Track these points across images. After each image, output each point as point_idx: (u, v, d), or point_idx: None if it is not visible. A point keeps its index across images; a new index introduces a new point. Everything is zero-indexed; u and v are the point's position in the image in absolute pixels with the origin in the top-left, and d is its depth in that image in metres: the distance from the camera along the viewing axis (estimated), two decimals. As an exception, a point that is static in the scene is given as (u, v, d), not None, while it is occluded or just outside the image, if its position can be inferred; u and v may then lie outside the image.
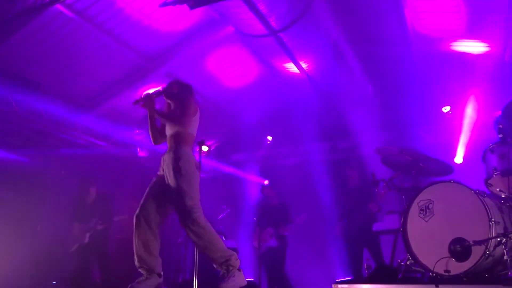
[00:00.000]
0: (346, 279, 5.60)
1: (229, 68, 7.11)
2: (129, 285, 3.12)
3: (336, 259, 6.37)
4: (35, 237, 6.52)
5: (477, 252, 3.20)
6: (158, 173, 3.47)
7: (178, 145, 3.38)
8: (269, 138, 8.16)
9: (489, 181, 3.72)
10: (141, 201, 3.36)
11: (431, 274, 3.37)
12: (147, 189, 3.41)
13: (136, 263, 3.24)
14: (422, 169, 4.23)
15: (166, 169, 3.36)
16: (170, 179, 3.29)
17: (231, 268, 3.18)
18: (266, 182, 7.74)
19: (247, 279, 3.34)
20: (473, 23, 5.53)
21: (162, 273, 3.28)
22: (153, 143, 3.61)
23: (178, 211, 3.26)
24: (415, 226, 3.61)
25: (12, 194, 6.62)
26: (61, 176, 6.94)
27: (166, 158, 3.41)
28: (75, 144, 7.19)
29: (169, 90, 3.56)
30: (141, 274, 3.21)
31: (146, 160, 7.91)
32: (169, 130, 3.49)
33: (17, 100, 6.05)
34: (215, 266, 3.25)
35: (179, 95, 3.55)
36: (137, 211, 3.32)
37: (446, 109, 6.81)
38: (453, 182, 3.57)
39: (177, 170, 3.27)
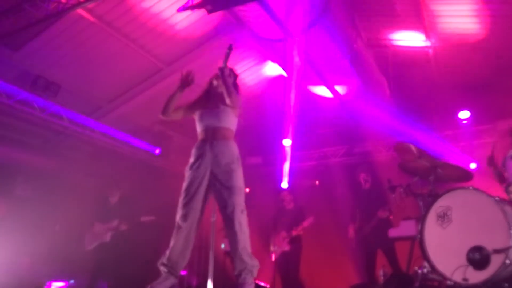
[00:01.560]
0: (360, 283, 5.54)
1: (246, 72, 7.14)
2: (149, 286, 3.10)
3: (351, 264, 6.31)
4: (54, 236, 6.63)
5: (496, 261, 3.13)
6: (194, 163, 3.25)
7: (232, 138, 3.32)
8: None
9: (510, 188, 3.64)
10: (188, 195, 3.18)
11: (448, 282, 3.31)
12: (189, 183, 3.21)
13: (165, 261, 3.15)
14: (440, 175, 4.16)
15: (217, 160, 3.19)
16: (229, 170, 3.17)
17: (252, 277, 3.10)
18: (284, 185, 7.73)
19: (262, 284, 3.31)
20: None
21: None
22: (162, 113, 3.38)
23: (231, 203, 3.12)
24: (433, 233, 3.55)
25: (31, 193, 6.78)
26: (80, 177, 7.06)
27: (218, 147, 3.22)
28: (94, 145, 7.31)
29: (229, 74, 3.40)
30: (158, 273, 3.19)
31: (161, 159, 7.96)
32: (216, 119, 3.32)
33: (38, 101, 6.19)
34: (236, 272, 3.12)
35: (234, 86, 3.42)
36: (187, 205, 3.16)
37: (464, 114, 6.71)
38: (472, 188, 3.50)
39: (238, 163, 3.22)
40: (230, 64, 3.43)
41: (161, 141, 7.95)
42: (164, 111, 3.39)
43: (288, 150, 8.29)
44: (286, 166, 8.28)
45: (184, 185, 3.25)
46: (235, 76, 3.59)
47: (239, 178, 3.23)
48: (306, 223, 6.29)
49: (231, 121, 3.39)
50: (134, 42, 6.15)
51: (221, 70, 3.34)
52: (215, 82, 3.47)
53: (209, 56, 6.43)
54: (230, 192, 3.16)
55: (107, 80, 6.71)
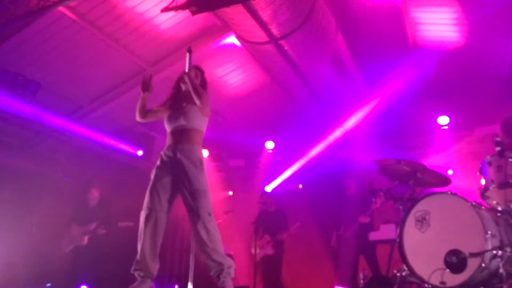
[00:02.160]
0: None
1: (230, 75, 7.13)
2: None
3: (333, 268, 6.36)
4: (30, 238, 6.49)
5: (472, 265, 3.19)
6: (159, 166, 3.29)
7: (199, 140, 3.32)
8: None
9: (486, 194, 3.72)
10: (150, 198, 3.20)
11: (426, 285, 3.36)
12: (153, 185, 3.24)
13: (136, 266, 3.14)
14: (419, 180, 4.23)
15: (180, 164, 3.20)
16: (191, 175, 3.18)
17: (230, 278, 3.12)
18: (267, 188, 7.75)
19: (242, 286, 3.31)
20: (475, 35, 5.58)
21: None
22: (137, 117, 3.43)
23: (195, 206, 3.15)
24: (411, 237, 3.60)
25: (8, 195, 6.61)
26: (58, 178, 6.92)
27: (182, 151, 3.23)
28: (74, 146, 7.19)
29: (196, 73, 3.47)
30: (134, 279, 3.17)
31: (144, 160, 7.87)
32: (182, 119, 3.32)
33: (17, 100, 6.05)
34: (212, 273, 3.14)
35: (202, 85, 3.47)
36: (148, 209, 3.17)
37: (443, 120, 6.85)
38: (450, 193, 3.57)
39: (201, 166, 3.23)
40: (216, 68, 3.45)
41: (144, 142, 7.87)
42: (137, 114, 3.45)
43: (271, 153, 8.32)
44: (268, 169, 8.32)
45: (148, 187, 3.27)
46: (202, 72, 3.62)
47: (203, 182, 3.24)
48: (293, 229, 6.33)
49: (199, 121, 3.38)
50: (117, 42, 6.07)
51: (186, 74, 3.38)
52: (183, 87, 3.48)
53: (193, 57, 6.41)
54: (194, 196, 3.17)
55: (89, 79, 6.61)
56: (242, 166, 8.52)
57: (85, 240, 5.57)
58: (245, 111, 7.95)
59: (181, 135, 3.30)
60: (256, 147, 8.36)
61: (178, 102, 3.45)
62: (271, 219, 6.48)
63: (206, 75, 3.69)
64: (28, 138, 7.03)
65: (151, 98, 3.52)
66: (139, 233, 3.20)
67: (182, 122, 3.32)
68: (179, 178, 3.23)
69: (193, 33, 6.25)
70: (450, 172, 6.52)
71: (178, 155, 3.23)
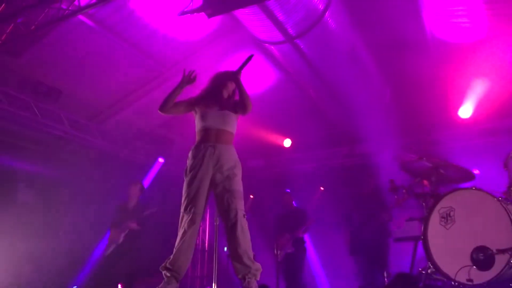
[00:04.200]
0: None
1: (246, 75, 7.14)
2: None
3: (354, 267, 6.31)
4: (58, 242, 6.61)
5: (500, 261, 3.13)
6: (197, 166, 3.20)
7: (232, 143, 3.33)
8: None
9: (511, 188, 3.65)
10: (192, 199, 3.15)
11: (453, 283, 3.31)
12: (194, 187, 3.16)
13: (168, 265, 3.12)
14: (442, 176, 4.17)
15: (221, 164, 3.18)
16: (232, 175, 3.18)
17: (255, 281, 3.11)
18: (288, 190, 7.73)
19: (262, 285, 3.30)
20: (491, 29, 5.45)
21: None
22: (161, 108, 3.34)
23: (234, 207, 3.13)
24: (436, 233, 3.55)
25: (34, 200, 6.77)
26: (81, 183, 7.02)
27: (221, 151, 3.21)
28: (96, 150, 7.31)
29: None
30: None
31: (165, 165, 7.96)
32: (221, 121, 3.30)
33: (39, 107, 6.19)
34: (239, 276, 3.12)
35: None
36: (192, 213, 3.13)
37: (464, 113, 6.68)
38: (475, 189, 3.51)
39: (239, 167, 3.24)
40: (233, 68, 3.44)
41: (163, 145, 7.94)
42: (163, 106, 3.35)
43: (289, 152, 8.30)
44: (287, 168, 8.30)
45: (186, 189, 3.21)
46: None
47: (240, 183, 3.25)
48: (308, 223, 6.31)
49: (234, 125, 3.40)
50: (134, 46, 6.16)
51: (237, 75, 3.36)
52: (230, 85, 3.45)
53: (209, 59, 6.45)
54: (232, 196, 3.16)
55: (108, 84, 6.72)
56: (261, 167, 8.52)
57: (121, 238, 5.59)
58: (263, 111, 7.95)
59: (220, 136, 3.29)
60: (275, 147, 8.35)
61: (217, 102, 3.40)
62: (291, 217, 6.49)
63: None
64: (51, 144, 7.18)
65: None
66: (179, 234, 3.17)
67: (220, 123, 3.32)
68: (217, 178, 3.21)
69: (208, 35, 6.29)
70: (475, 172, 6.34)
71: (218, 155, 3.22)
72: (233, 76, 3.39)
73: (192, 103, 3.44)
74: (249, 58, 3.35)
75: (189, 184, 3.21)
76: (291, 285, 6.29)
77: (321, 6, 5.09)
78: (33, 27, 4.98)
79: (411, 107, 6.87)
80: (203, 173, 3.19)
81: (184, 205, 3.19)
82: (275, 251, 6.14)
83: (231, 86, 3.45)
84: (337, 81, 6.51)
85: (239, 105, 3.36)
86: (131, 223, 5.57)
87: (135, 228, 5.56)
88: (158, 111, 3.38)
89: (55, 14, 4.89)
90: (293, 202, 6.67)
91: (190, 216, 3.15)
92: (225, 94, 3.43)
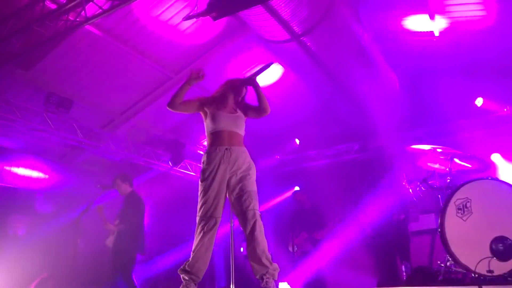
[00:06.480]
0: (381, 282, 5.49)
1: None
2: None
3: (372, 263, 6.26)
4: (75, 251, 6.68)
5: (521, 251, 3.09)
6: (214, 169, 3.20)
7: (243, 143, 3.37)
8: (297, 140, 8.10)
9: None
10: (212, 204, 3.16)
11: (473, 275, 3.27)
12: (213, 190, 3.17)
13: (187, 268, 3.13)
14: (457, 167, 4.12)
15: (238, 166, 3.21)
16: (249, 176, 3.22)
17: (273, 280, 3.12)
18: (297, 188, 7.72)
19: (281, 282, 3.30)
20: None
21: None
22: (170, 104, 3.33)
23: (252, 207, 3.15)
24: (453, 225, 3.52)
25: (51, 209, 6.88)
26: (95, 190, 7.09)
27: (238, 154, 3.25)
28: (109, 158, 7.39)
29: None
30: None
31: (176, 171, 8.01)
32: (234, 124, 3.34)
33: (51, 117, 6.28)
34: (257, 276, 3.12)
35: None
36: (212, 217, 3.15)
37: (479, 102, 6.55)
38: (491, 178, 3.47)
39: (254, 169, 3.28)
40: (240, 69, 3.46)
41: (173, 149, 7.98)
42: (172, 102, 3.35)
43: (300, 149, 8.27)
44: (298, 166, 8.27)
45: (204, 193, 3.21)
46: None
47: (255, 183, 3.28)
48: (331, 224, 6.30)
49: (244, 128, 3.43)
50: (142, 53, 6.22)
51: (254, 79, 3.40)
52: (243, 90, 3.49)
53: (216, 62, 6.47)
54: (250, 197, 3.18)
55: (117, 92, 6.80)
56: (274, 166, 8.52)
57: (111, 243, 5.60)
58: (272, 111, 7.94)
59: (232, 138, 3.32)
60: (285, 146, 8.34)
61: (228, 105, 3.43)
62: (307, 216, 6.46)
63: (229, 76, 3.71)
64: (65, 153, 7.29)
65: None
66: (198, 238, 3.16)
67: (233, 126, 3.35)
68: (233, 180, 3.23)
69: (214, 38, 6.32)
70: (496, 156, 6.19)
71: (233, 156, 3.25)
72: (250, 80, 3.42)
73: (202, 103, 3.45)
74: (268, 65, 3.42)
75: (207, 189, 3.20)
76: (308, 283, 6.27)
77: (325, 1, 5.06)
78: (42, 39, 5.05)
79: (422, 97, 6.78)
80: (220, 177, 3.21)
81: (202, 210, 3.19)
82: (290, 249, 6.14)
83: (244, 90, 3.50)
84: (345, 76, 6.46)
85: (258, 109, 3.40)
86: (110, 225, 5.55)
87: (113, 229, 5.56)
88: (167, 107, 3.38)
89: (63, 26, 4.96)
90: (306, 200, 6.63)
91: (210, 220, 3.16)
92: (238, 97, 3.47)
